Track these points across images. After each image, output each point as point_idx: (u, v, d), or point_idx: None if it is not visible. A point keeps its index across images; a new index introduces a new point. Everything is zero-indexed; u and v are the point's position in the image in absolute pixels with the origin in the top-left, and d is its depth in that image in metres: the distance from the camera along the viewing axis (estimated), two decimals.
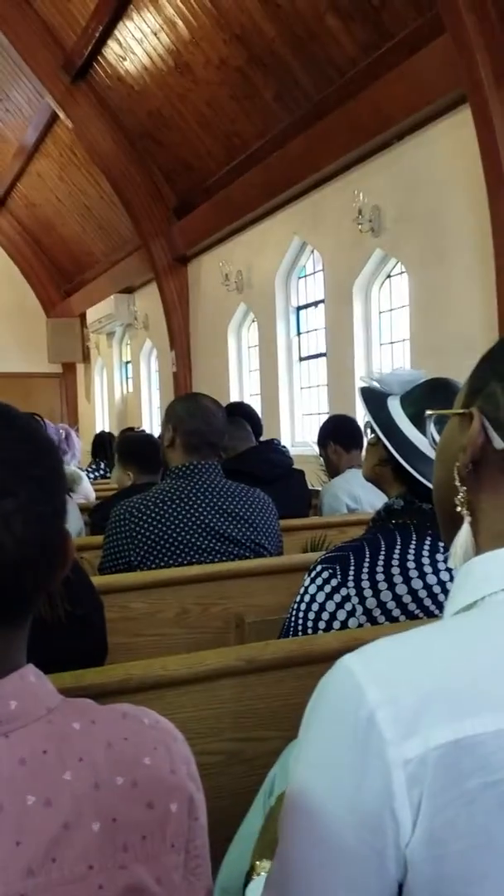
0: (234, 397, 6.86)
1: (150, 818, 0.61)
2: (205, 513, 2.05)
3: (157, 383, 8.87)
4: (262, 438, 3.38)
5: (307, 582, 1.33)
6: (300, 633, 1.31)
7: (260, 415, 3.98)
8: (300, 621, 1.32)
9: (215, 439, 2.14)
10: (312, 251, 6.01)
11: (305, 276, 6.27)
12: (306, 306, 6.27)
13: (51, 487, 0.64)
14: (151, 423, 8.91)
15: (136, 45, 6.15)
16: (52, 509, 0.63)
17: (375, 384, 1.40)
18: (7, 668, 0.62)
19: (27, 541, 0.61)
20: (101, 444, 5.74)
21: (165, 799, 0.63)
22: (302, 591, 1.33)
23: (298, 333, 6.39)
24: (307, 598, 1.31)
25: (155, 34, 5.90)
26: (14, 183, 9.22)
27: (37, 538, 0.61)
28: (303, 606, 1.32)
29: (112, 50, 6.41)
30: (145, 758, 0.63)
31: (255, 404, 6.04)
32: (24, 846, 0.57)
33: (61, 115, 7.17)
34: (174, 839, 0.63)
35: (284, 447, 3.33)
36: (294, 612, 1.33)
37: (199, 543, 2.03)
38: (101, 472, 5.36)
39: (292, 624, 1.33)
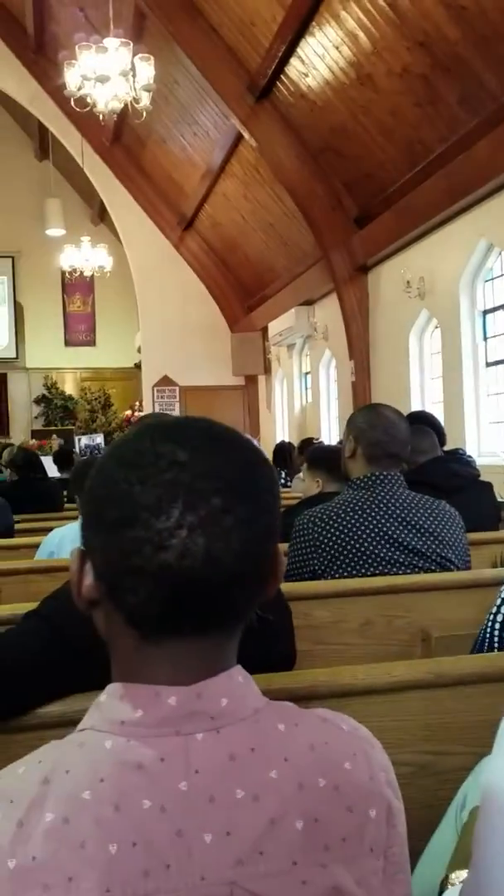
0: (415, 406, 6.74)
1: (349, 822, 0.64)
2: (387, 523, 2.03)
3: (335, 393, 8.91)
4: (447, 448, 3.30)
5: (501, 598, 1.29)
6: (494, 650, 1.28)
7: (443, 423, 3.89)
8: (494, 638, 1.28)
9: (397, 450, 2.12)
10: (500, 253, 5.80)
11: (493, 278, 6.05)
12: (493, 310, 6.05)
13: (267, 505, 0.67)
14: (330, 432, 8.95)
15: (318, 60, 6.24)
16: (267, 526, 0.66)
17: None
18: (218, 668, 0.66)
19: (243, 556, 0.64)
20: (282, 453, 5.85)
21: (364, 804, 0.65)
22: (495, 608, 1.30)
23: (485, 338, 6.17)
24: (501, 615, 1.28)
25: (336, 48, 5.96)
26: (201, 204, 9.63)
27: (252, 554, 0.65)
28: (497, 623, 1.28)
29: (294, 67, 6.55)
30: (346, 762, 0.66)
31: (438, 413, 5.90)
32: (234, 837, 0.60)
33: (246, 135, 7.42)
34: (372, 844, 0.65)
35: (470, 457, 3.23)
36: (488, 628, 1.30)
37: (382, 554, 2.03)
38: (282, 480, 5.47)
39: (486, 639, 1.30)
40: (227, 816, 0.60)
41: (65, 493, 5.65)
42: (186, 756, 0.61)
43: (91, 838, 0.59)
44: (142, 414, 11.58)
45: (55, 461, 7.23)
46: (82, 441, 11.11)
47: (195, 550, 0.62)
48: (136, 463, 0.65)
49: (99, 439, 10.94)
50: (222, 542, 0.62)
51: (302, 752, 0.64)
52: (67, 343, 14.83)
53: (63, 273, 12.78)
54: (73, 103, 5.61)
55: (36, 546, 3.35)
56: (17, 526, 4.25)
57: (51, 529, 4.12)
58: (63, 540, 3.12)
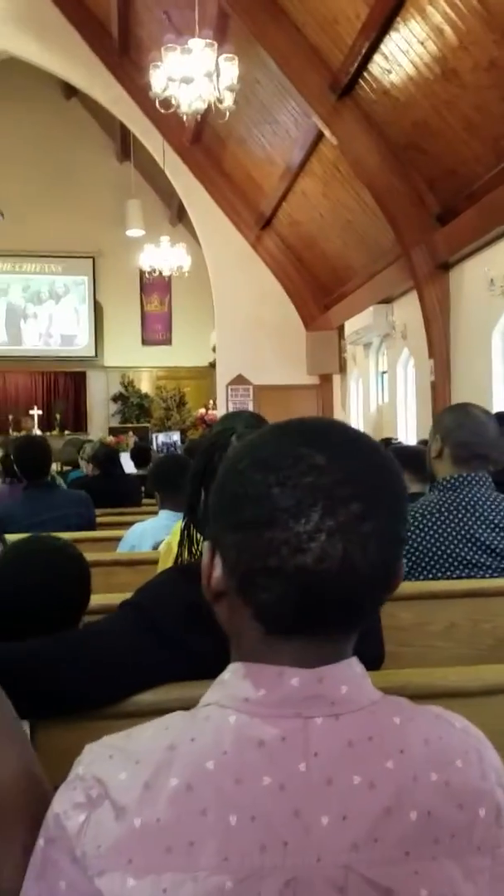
0: (498, 406, 6.59)
1: (459, 818, 0.64)
2: (474, 526, 2.00)
3: (413, 393, 8.79)
4: None
5: None
6: None
7: None
8: None
9: (485, 451, 2.08)
10: None
11: None
12: None
13: (401, 512, 0.68)
14: (407, 432, 8.83)
15: (402, 56, 6.16)
16: (398, 534, 0.68)
17: None
18: (341, 657, 0.68)
19: (378, 563, 0.65)
20: None
21: (474, 803, 0.65)
22: None
23: None
24: None
25: (421, 43, 5.87)
26: (280, 203, 9.64)
27: (385, 561, 0.66)
28: None
29: (378, 64, 6.49)
30: (458, 760, 0.66)
31: None
32: (350, 822, 0.61)
33: (327, 133, 7.39)
34: (481, 843, 0.65)
35: None
36: None
37: (468, 557, 1.99)
38: None
39: None
40: (343, 801, 0.62)
41: (142, 488, 5.75)
42: (306, 738, 0.63)
43: (212, 807, 0.61)
44: (216, 412, 11.68)
45: (132, 457, 7.35)
46: (159, 438, 11.27)
47: (333, 555, 0.63)
48: (275, 465, 0.65)
49: (175, 437, 11.07)
50: (359, 547, 0.63)
51: (416, 745, 0.65)
52: (144, 342, 15.09)
53: (141, 273, 13.01)
54: (157, 105, 5.69)
55: (116, 539, 3.43)
56: (97, 520, 4.35)
57: (129, 524, 4.19)
58: (144, 534, 3.18)
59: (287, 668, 0.65)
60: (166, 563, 2.26)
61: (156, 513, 4.52)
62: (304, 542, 0.62)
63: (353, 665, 0.68)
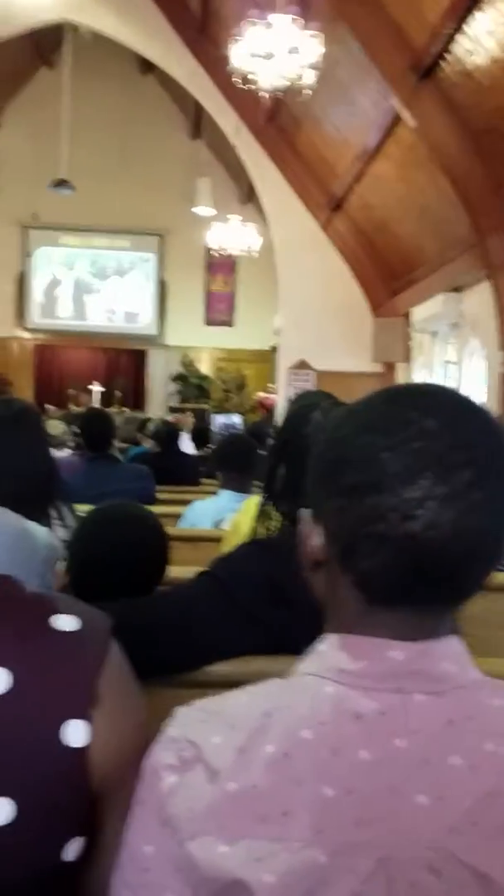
0: None
1: None
2: None
3: (481, 385, 8.60)
4: None
5: None
6: None
7: None
8: None
9: None
10: None
11: None
12: None
13: None
14: None
15: (488, 38, 5.97)
16: None
17: None
18: (440, 635, 0.65)
19: (487, 532, 0.63)
20: None
21: None
22: None
23: None
24: None
25: None
26: (353, 185, 9.51)
27: (495, 530, 0.64)
28: None
29: (461, 45, 6.30)
30: None
31: None
32: (448, 803, 0.59)
33: (405, 115, 7.23)
34: None
35: None
36: None
37: None
38: None
39: None
40: (442, 781, 0.59)
41: (201, 468, 5.77)
42: (405, 714, 0.61)
43: (308, 778, 0.59)
44: (275, 396, 11.64)
45: (193, 438, 7.39)
46: (219, 420, 11.31)
47: (442, 523, 0.61)
48: (383, 429, 0.64)
49: (236, 419, 11.10)
50: (470, 516, 0.61)
51: None
52: (207, 322, 15.12)
53: (207, 252, 13.01)
54: (235, 80, 5.63)
55: (175, 516, 3.48)
56: (157, 496, 4.38)
57: (187, 501, 4.20)
58: (205, 513, 3.23)
59: (390, 641, 0.64)
60: (231, 541, 2.26)
61: (214, 493, 4.52)
62: (413, 508, 0.61)
63: (455, 642, 0.66)
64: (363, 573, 0.65)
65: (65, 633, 0.64)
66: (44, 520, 1.99)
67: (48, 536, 1.41)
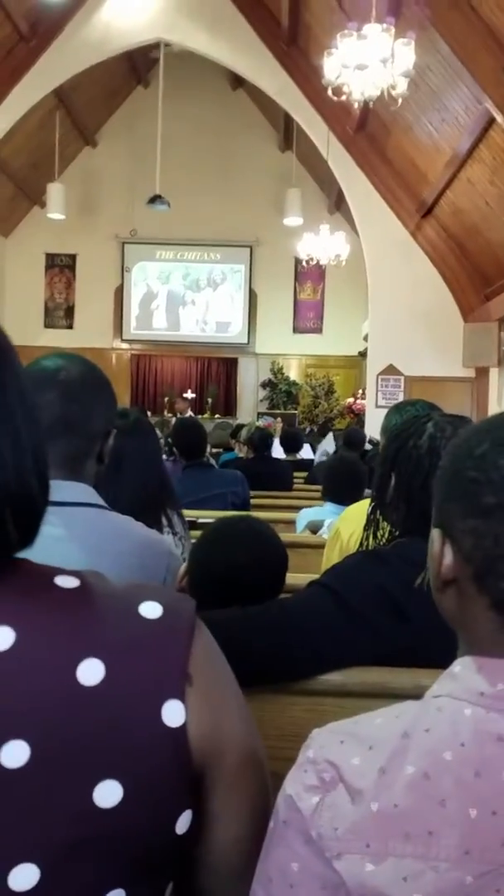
0: None
1: None
2: None
3: None
4: None
5: None
6: None
7: None
8: None
9: None
10: None
11: None
12: None
13: None
14: None
15: None
16: None
17: None
18: None
19: None
20: None
21: None
22: None
23: None
24: None
25: None
26: (444, 191, 9.40)
27: None
28: None
29: None
30: None
31: None
32: (500, 817, 0.59)
33: (499, 118, 7.11)
34: None
35: None
36: None
37: None
38: None
39: None
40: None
41: (293, 473, 5.83)
42: None
43: (452, 798, 0.60)
44: (364, 402, 11.58)
45: (282, 443, 7.46)
46: (320, 448, 11.24)
47: None
48: None
49: (329, 446, 11.07)
50: None
51: None
52: (295, 330, 15.19)
53: (296, 261, 13.08)
54: (329, 92, 5.69)
55: (271, 521, 3.55)
56: (251, 501, 4.46)
57: (281, 507, 4.28)
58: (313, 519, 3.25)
59: None
60: (332, 547, 2.29)
61: (307, 498, 4.60)
62: None
63: None
64: (500, 594, 0.64)
65: (151, 619, 0.66)
66: (155, 526, 2.08)
67: (169, 544, 1.46)
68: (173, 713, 0.63)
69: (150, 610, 0.66)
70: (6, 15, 9.59)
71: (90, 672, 0.61)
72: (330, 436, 7.66)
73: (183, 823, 0.65)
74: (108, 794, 0.60)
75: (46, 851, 0.60)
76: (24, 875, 0.59)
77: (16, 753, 0.59)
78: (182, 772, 0.63)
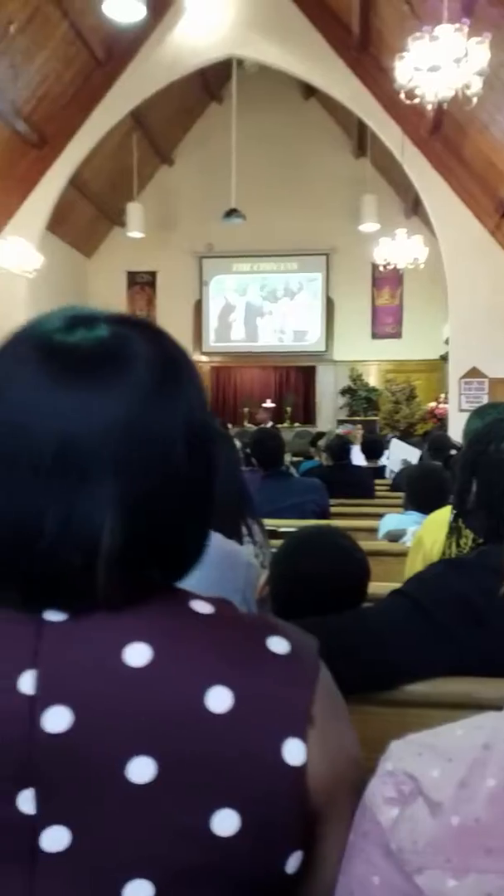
0: None
1: None
2: None
3: None
4: None
5: None
6: None
7: None
8: None
9: None
10: None
11: None
12: None
13: None
14: None
15: None
16: None
17: None
18: None
19: None
20: None
21: None
22: None
23: None
24: None
25: None
26: None
27: None
28: None
29: None
30: None
31: None
32: None
33: None
34: None
35: None
36: None
37: None
38: None
39: None
40: None
41: (374, 480, 5.77)
42: None
43: None
44: (447, 406, 11.36)
45: (363, 450, 7.40)
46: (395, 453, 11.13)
47: None
48: None
49: (413, 454, 10.94)
50: None
51: None
52: (374, 336, 15.08)
53: (373, 267, 12.99)
54: (402, 96, 5.65)
55: (352, 529, 3.53)
56: (331, 510, 4.44)
57: (363, 515, 4.24)
58: (397, 526, 3.23)
59: None
60: (415, 555, 2.27)
61: (388, 506, 4.55)
62: None
63: None
64: None
65: (279, 655, 0.66)
66: (235, 537, 2.10)
67: (248, 555, 1.47)
68: (294, 752, 0.63)
69: (278, 645, 0.66)
70: (83, 42, 9.92)
71: (219, 700, 0.62)
72: (397, 442, 7.54)
73: (293, 863, 0.64)
74: (226, 822, 0.61)
75: (161, 870, 0.61)
76: (139, 890, 0.60)
77: (143, 769, 0.60)
78: (298, 811, 0.63)
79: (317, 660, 0.68)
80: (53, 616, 0.63)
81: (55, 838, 0.61)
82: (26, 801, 0.61)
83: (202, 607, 0.67)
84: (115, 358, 0.63)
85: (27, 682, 0.61)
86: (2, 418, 0.61)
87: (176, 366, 0.67)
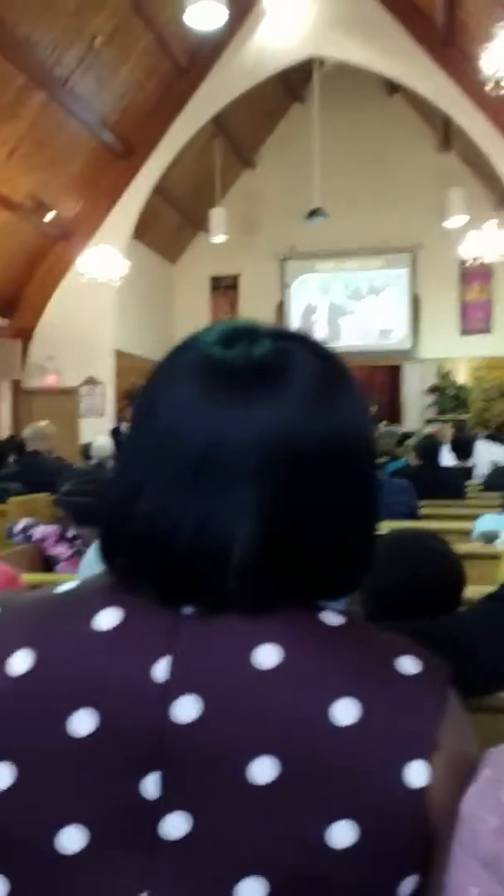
0: None
1: None
2: None
3: None
4: None
5: None
6: None
7: None
8: None
9: None
10: None
11: None
12: None
13: None
14: None
15: None
16: None
17: None
18: None
19: None
20: None
21: None
22: None
23: None
24: None
25: None
26: None
27: None
28: None
29: None
30: None
31: None
32: None
33: None
34: None
35: None
36: None
37: None
38: None
39: None
40: None
41: (465, 481, 5.65)
42: None
43: None
44: None
45: (453, 449, 7.26)
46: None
47: None
48: None
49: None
50: None
51: None
52: (462, 332, 14.75)
53: (461, 262, 12.72)
54: (489, 87, 5.52)
55: (442, 531, 3.47)
56: (421, 511, 4.37)
57: (452, 516, 4.16)
58: (495, 526, 3.17)
59: None
60: None
61: (480, 507, 4.44)
62: None
63: None
64: None
65: (408, 676, 0.65)
66: None
67: None
68: (417, 774, 0.62)
69: (409, 665, 0.66)
70: (165, 52, 10.11)
71: (345, 711, 0.62)
72: (483, 443, 7.34)
73: (407, 887, 0.63)
74: (343, 834, 0.61)
75: (274, 873, 0.61)
76: (253, 889, 0.60)
77: (266, 769, 0.61)
78: (415, 834, 0.63)
79: (447, 683, 0.67)
80: (189, 611, 0.65)
81: (176, 824, 0.62)
82: (151, 785, 0.62)
83: (332, 619, 0.68)
84: (274, 371, 0.65)
85: (161, 670, 0.63)
86: (159, 424, 0.65)
87: (335, 380, 0.68)
